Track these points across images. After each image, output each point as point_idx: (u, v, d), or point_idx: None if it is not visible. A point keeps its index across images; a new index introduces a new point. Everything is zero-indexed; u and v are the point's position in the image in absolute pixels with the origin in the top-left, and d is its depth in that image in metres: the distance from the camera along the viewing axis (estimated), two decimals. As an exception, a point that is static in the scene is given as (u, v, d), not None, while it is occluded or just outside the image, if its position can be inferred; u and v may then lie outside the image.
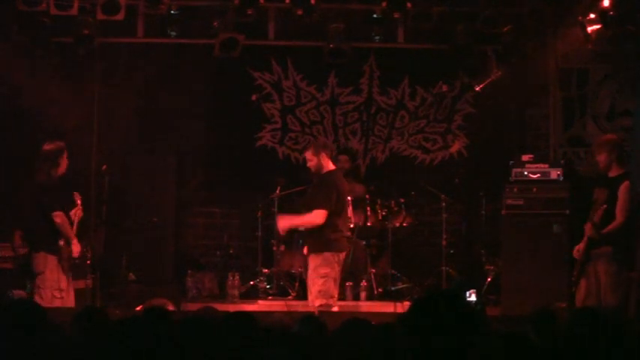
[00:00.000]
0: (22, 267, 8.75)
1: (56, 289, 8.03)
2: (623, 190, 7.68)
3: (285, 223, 8.47)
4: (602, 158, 7.90)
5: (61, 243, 8.07)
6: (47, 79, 10.25)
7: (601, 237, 7.63)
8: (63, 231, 8.08)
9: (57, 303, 7.92)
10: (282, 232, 8.61)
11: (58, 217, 8.05)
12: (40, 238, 8.14)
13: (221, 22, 10.01)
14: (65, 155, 8.29)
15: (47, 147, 8.27)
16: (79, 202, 8.39)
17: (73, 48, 10.02)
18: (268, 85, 11.32)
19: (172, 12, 9.97)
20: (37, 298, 7.93)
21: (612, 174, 7.85)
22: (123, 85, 10.99)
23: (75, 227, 8.27)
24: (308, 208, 8.27)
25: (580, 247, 7.91)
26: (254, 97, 10.85)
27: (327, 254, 8.04)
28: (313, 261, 8.15)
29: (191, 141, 11.33)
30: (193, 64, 11.13)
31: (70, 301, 8.15)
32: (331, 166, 8.33)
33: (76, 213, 8.35)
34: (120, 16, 9.60)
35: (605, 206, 7.59)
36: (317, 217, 8.06)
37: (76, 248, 8.12)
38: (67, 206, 8.31)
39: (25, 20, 9.83)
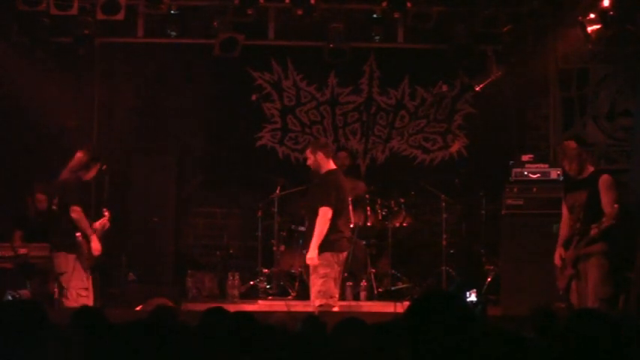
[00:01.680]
0: (22, 267, 8.75)
1: (81, 288, 8.01)
2: (602, 183, 7.63)
3: (312, 254, 8.02)
4: (573, 167, 7.84)
5: (78, 236, 8.05)
6: (47, 79, 10.26)
7: (598, 235, 7.57)
8: (80, 226, 8.04)
9: (82, 301, 7.89)
10: (313, 263, 8.04)
11: (75, 211, 8.01)
12: (60, 237, 8.09)
13: (221, 22, 10.02)
14: (97, 166, 8.25)
15: (80, 155, 8.20)
16: (106, 214, 8.41)
17: (73, 48, 10.02)
18: (268, 85, 11.32)
19: (172, 12, 9.98)
20: (62, 299, 7.95)
21: (584, 176, 7.82)
22: (123, 85, 11.01)
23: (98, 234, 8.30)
24: (310, 209, 8.26)
25: (560, 252, 7.86)
26: (254, 97, 10.86)
27: (327, 254, 8.03)
28: (313, 261, 8.14)
29: (191, 141, 11.34)
30: (193, 64, 11.14)
31: (91, 300, 8.16)
32: (331, 166, 8.31)
33: (103, 223, 8.37)
34: (120, 16, 9.60)
35: (617, 205, 7.49)
36: (324, 215, 8.01)
37: (95, 246, 8.10)
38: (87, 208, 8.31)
39: (25, 20, 9.84)
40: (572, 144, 8.08)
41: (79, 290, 8.00)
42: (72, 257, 8.03)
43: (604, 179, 7.66)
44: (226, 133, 11.31)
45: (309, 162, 8.32)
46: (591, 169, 7.84)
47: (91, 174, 8.24)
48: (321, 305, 7.92)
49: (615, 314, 7.15)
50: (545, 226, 9.09)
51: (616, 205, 7.43)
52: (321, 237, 7.99)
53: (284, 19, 10.33)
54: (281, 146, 11.33)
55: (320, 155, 8.23)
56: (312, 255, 8.02)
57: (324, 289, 7.99)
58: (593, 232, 7.51)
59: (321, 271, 8.02)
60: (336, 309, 8.03)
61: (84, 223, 8.07)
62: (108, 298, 9.38)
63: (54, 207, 8.38)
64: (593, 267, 7.61)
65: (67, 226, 8.04)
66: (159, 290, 9.18)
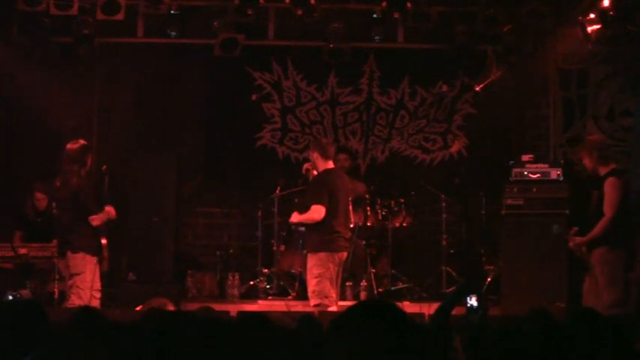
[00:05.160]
0: (22, 267, 8.75)
1: (95, 290, 8.03)
2: (607, 186, 7.70)
3: (294, 218, 8.46)
4: (586, 162, 7.94)
5: (104, 242, 8.07)
6: (47, 79, 10.25)
7: (592, 241, 7.71)
8: (101, 230, 8.09)
9: (95, 303, 7.91)
10: (291, 223, 8.75)
11: (95, 220, 8.01)
12: (79, 239, 8.04)
13: (221, 22, 10.02)
14: (90, 153, 8.25)
15: (72, 146, 8.14)
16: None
17: (73, 48, 10.02)
18: (268, 85, 11.32)
19: (172, 12, 9.98)
20: (74, 299, 7.92)
21: (601, 173, 7.88)
22: (123, 85, 11.00)
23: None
24: (304, 208, 8.29)
25: (577, 240, 7.94)
26: (254, 97, 10.86)
27: (321, 254, 8.03)
28: (309, 261, 8.15)
29: (191, 141, 11.34)
30: (193, 64, 11.14)
31: (99, 302, 8.17)
32: (329, 165, 8.29)
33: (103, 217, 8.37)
34: (120, 16, 9.60)
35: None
36: (314, 212, 8.05)
37: (105, 241, 8.17)
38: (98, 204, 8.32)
39: (25, 20, 9.84)
40: (591, 138, 8.14)
41: (94, 292, 8.01)
42: (93, 260, 8.02)
43: (609, 181, 7.71)
44: (226, 133, 11.31)
45: (311, 158, 8.36)
46: (607, 168, 7.85)
47: (89, 164, 8.21)
48: (316, 305, 7.91)
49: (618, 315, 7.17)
50: (545, 226, 9.10)
51: (601, 224, 7.53)
52: (305, 221, 8.28)
53: (284, 19, 10.32)
54: (281, 146, 11.33)
55: (316, 154, 8.24)
56: (293, 217, 8.43)
57: (318, 289, 7.99)
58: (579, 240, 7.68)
59: (315, 271, 8.02)
60: (333, 309, 8.01)
61: (103, 227, 8.11)
62: (108, 298, 9.38)
63: (55, 210, 8.38)
64: (599, 274, 7.71)
65: (87, 229, 8.03)
66: (159, 290, 9.17)
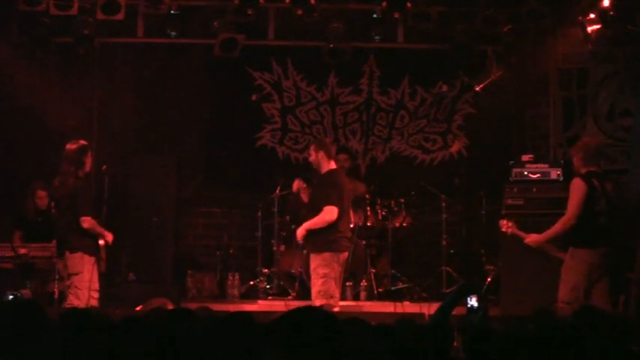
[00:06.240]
0: (22, 267, 8.75)
1: (93, 290, 8.01)
2: (571, 186, 7.67)
3: (300, 231, 8.20)
4: (574, 160, 7.93)
5: (101, 243, 8.07)
6: (47, 79, 10.25)
7: (551, 239, 7.77)
8: (94, 233, 8.05)
9: (93, 303, 7.91)
10: (300, 240, 8.32)
11: (86, 222, 7.97)
12: (76, 239, 8.03)
13: (221, 22, 10.02)
14: (89, 154, 8.23)
15: (70, 147, 8.12)
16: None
17: (73, 48, 10.02)
18: (268, 85, 11.33)
19: (172, 12, 9.98)
20: (72, 299, 7.92)
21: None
22: (123, 85, 11.01)
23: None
24: (313, 209, 8.24)
25: (531, 237, 8.04)
26: (254, 97, 10.86)
27: (326, 254, 8.02)
28: (313, 261, 8.14)
29: (191, 141, 11.35)
30: (193, 65, 11.14)
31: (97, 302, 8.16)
32: (332, 166, 8.30)
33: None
34: (120, 16, 9.60)
35: None
36: (327, 213, 7.98)
37: (102, 242, 8.14)
38: (95, 204, 8.30)
39: (25, 20, 9.85)
40: (584, 140, 8.14)
41: (91, 292, 8.00)
42: (91, 259, 8.01)
43: (573, 182, 7.68)
44: (226, 133, 11.32)
45: (312, 159, 8.32)
46: (582, 170, 7.82)
47: (87, 167, 8.20)
48: (321, 305, 7.90)
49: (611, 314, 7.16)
50: (545, 226, 9.07)
51: (559, 224, 7.63)
52: (316, 225, 8.02)
53: (284, 19, 10.33)
54: (281, 146, 11.33)
55: (321, 154, 8.23)
56: (299, 232, 8.13)
57: (324, 289, 7.98)
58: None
59: (321, 271, 8.01)
60: (337, 309, 8.01)
61: (96, 228, 8.08)
62: (108, 298, 9.37)
63: (53, 210, 8.38)
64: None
65: (83, 229, 8.02)
66: (159, 290, 9.17)
